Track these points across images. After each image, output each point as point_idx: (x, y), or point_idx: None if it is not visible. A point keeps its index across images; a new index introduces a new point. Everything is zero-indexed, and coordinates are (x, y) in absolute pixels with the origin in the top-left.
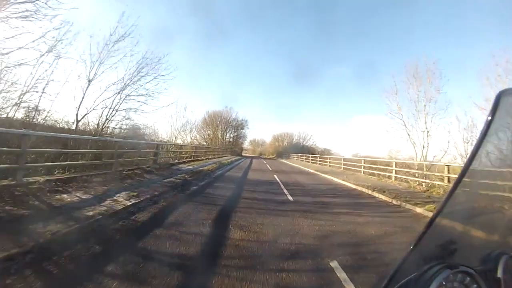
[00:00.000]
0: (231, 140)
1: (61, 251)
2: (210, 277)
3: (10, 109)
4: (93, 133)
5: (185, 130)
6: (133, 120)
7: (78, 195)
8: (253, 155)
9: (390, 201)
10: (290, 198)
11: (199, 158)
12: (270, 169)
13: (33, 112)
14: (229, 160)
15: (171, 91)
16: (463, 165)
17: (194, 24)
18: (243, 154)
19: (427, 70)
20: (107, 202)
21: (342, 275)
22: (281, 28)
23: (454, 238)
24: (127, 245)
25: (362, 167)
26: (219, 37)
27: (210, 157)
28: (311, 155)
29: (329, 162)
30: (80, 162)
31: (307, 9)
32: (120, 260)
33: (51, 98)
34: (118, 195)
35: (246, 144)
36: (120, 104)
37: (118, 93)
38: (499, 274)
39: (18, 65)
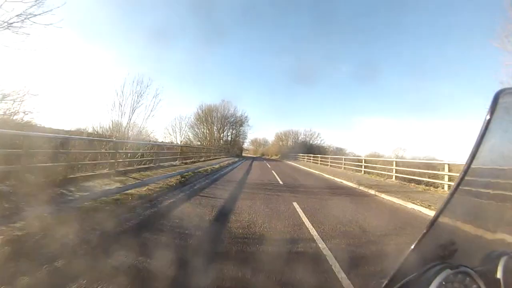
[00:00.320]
0: (229, 139)
1: None
2: None
3: None
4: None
5: (174, 128)
6: None
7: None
8: (254, 156)
9: None
10: None
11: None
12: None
13: None
14: (211, 168)
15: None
16: (463, 164)
17: (194, 24)
18: (243, 154)
19: None
20: None
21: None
22: (284, 26)
23: (455, 238)
24: None
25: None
26: (218, 36)
27: (190, 160)
28: (329, 156)
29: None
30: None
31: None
32: None
33: None
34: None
35: (246, 144)
36: None
37: None
38: (499, 274)
39: None
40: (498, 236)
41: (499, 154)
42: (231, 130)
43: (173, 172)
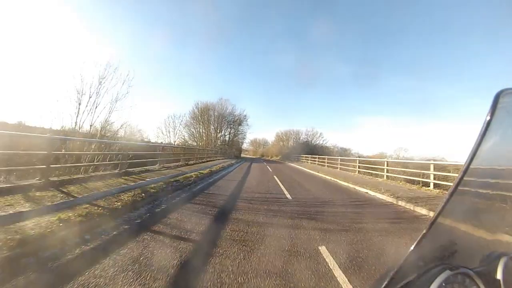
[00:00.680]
0: (227, 139)
1: None
2: None
3: None
4: None
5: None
6: None
7: None
8: (253, 157)
9: None
10: None
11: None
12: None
13: None
14: (197, 174)
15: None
16: (463, 164)
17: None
18: (242, 155)
19: None
20: None
21: None
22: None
23: (454, 239)
24: None
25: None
26: (218, 35)
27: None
28: (339, 158)
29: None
30: None
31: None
32: None
33: None
34: None
35: (246, 145)
36: None
37: None
38: (499, 275)
39: None
40: (497, 237)
41: (499, 154)
42: (229, 130)
43: (140, 181)
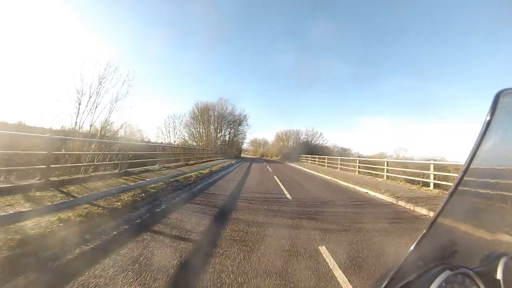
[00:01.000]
0: (227, 139)
1: None
2: None
3: None
4: None
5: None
6: None
7: None
8: (253, 157)
9: None
10: None
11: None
12: None
13: None
14: (197, 174)
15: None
16: (463, 164)
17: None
18: (242, 155)
19: None
20: None
21: None
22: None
23: (454, 239)
24: None
25: None
26: (218, 34)
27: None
28: (339, 158)
29: None
30: None
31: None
32: None
33: None
34: None
35: (246, 145)
36: None
37: None
38: (499, 275)
39: None
40: (497, 237)
41: (499, 154)
42: (229, 130)
43: (140, 181)
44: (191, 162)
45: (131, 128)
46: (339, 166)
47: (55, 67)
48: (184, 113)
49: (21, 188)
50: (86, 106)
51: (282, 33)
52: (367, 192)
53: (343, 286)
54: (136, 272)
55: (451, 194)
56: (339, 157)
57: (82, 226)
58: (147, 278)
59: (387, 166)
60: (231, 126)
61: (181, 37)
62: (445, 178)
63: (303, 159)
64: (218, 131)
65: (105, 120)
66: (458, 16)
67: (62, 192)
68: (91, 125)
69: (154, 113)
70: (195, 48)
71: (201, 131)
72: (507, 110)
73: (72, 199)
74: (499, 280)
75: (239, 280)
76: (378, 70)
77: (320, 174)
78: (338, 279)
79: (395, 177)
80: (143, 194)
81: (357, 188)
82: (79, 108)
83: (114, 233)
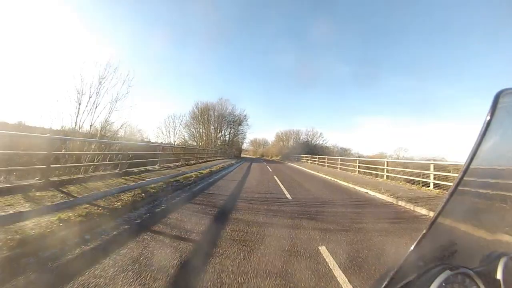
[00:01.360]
0: (227, 139)
1: None
2: None
3: None
4: None
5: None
6: None
7: None
8: (253, 157)
9: None
10: None
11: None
12: None
13: None
14: (197, 174)
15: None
16: (463, 164)
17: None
18: (242, 155)
19: None
20: None
21: None
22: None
23: (454, 239)
24: None
25: None
26: (218, 34)
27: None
28: (339, 158)
29: None
30: None
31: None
32: None
33: None
34: None
35: (246, 145)
36: None
37: None
38: (499, 275)
39: None
40: (497, 237)
41: (499, 154)
42: (229, 130)
43: (140, 181)
44: (191, 162)
45: (131, 128)
46: (339, 166)
47: (55, 67)
48: (184, 113)
49: (21, 188)
50: (86, 106)
51: (282, 33)
52: (367, 192)
53: (343, 286)
54: (136, 272)
55: (451, 194)
56: (339, 157)
57: (82, 226)
58: (147, 278)
59: (387, 166)
60: (231, 126)
61: (181, 37)
62: (445, 178)
63: (303, 159)
64: (218, 131)
65: (105, 120)
66: (458, 16)
67: (62, 192)
68: (91, 125)
69: (154, 113)
70: (195, 48)
71: (201, 131)
72: (507, 110)
73: (72, 199)
74: (499, 280)
75: (239, 280)
76: (378, 70)
77: (320, 174)
78: (338, 279)
79: (395, 177)
80: (143, 194)
81: (357, 188)
82: (79, 108)
83: (114, 233)
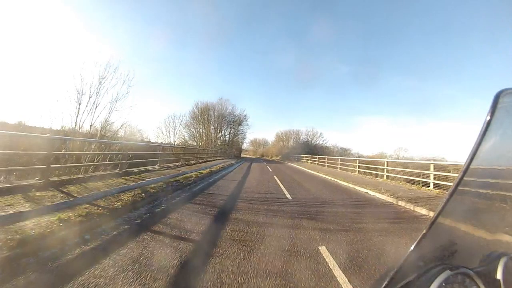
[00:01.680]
0: (227, 139)
1: None
2: None
3: None
4: None
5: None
6: None
7: None
8: (253, 157)
9: None
10: None
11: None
12: None
13: None
14: (197, 174)
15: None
16: (463, 164)
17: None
18: (242, 155)
19: None
20: None
21: None
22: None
23: (454, 239)
24: None
25: None
26: (222, 34)
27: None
28: (339, 158)
29: None
30: None
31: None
32: None
33: None
34: None
35: (246, 145)
36: None
37: None
38: (499, 275)
39: None
40: (497, 237)
41: (499, 154)
42: (229, 130)
43: (140, 181)
44: (191, 162)
45: (131, 128)
46: (339, 166)
47: (55, 67)
48: (184, 113)
49: (21, 188)
50: (86, 106)
51: (282, 33)
52: (367, 192)
53: (343, 286)
54: (136, 272)
55: (451, 194)
56: (339, 157)
57: (82, 226)
58: (147, 278)
59: (387, 166)
60: (231, 126)
61: (181, 37)
62: (445, 178)
63: (303, 159)
64: (218, 131)
65: (105, 120)
66: (458, 16)
67: (62, 192)
68: (91, 125)
69: (154, 113)
70: (195, 48)
71: (201, 131)
72: (507, 110)
73: (72, 199)
74: (499, 280)
75: (239, 280)
76: (378, 70)
77: (320, 174)
78: (338, 279)
79: (395, 177)
80: (143, 194)
81: (357, 188)
82: (79, 108)
83: (114, 233)
